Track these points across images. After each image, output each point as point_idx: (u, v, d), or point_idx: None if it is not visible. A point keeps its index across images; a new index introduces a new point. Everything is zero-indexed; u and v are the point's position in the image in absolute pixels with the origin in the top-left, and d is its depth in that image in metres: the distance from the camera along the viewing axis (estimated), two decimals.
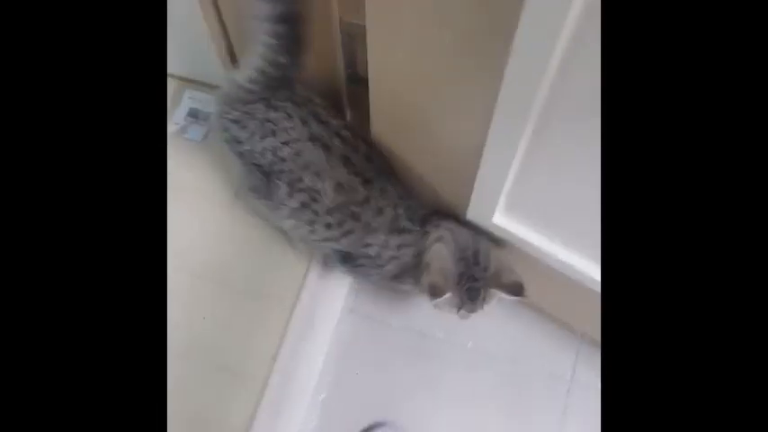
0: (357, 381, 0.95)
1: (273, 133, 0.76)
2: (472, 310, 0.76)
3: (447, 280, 0.73)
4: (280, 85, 0.75)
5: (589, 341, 0.96)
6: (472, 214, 0.76)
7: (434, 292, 0.70)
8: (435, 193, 0.80)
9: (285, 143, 0.76)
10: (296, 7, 0.67)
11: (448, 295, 0.72)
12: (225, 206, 0.98)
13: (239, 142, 0.78)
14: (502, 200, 0.70)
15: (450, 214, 0.80)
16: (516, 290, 0.73)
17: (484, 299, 0.75)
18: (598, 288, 0.74)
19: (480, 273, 0.74)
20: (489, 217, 0.74)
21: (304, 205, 0.78)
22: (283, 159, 0.76)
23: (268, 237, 0.94)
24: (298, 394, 0.90)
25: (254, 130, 0.76)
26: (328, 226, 0.78)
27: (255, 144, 0.77)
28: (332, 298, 0.95)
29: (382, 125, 0.77)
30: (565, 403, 0.95)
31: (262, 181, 0.80)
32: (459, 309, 0.75)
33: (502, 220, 0.74)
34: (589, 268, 0.73)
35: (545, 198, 0.68)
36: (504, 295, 0.73)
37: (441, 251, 0.74)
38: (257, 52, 0.71)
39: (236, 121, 0.77)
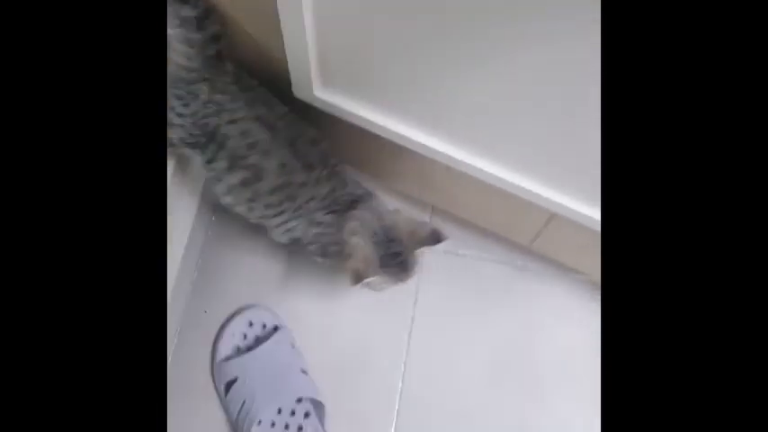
0: (225, 272, 1.00)
1: (218, 113, 0.77)
2: (410, 276, 0.82)
3: (369, 265, 0.78)
4: (216, 55, 0.76)
5: (435, 209, 1.04)
6: (296, 89, 0.80)
7: (356, 278, 0.76)
8: (272, 70, 0.83)
9: (231, 122, 0.77)
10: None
11: (372, 279, 0.78)
12: None
13: (181, 115, 0.77)
14: (315, 67, 0.75)
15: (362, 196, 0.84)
16: (436, 237, 0.80)
17: (415, 262, 0.82)
18: (430, 154, 0.80)
19: (398, 247, 0.80)
20: (310, 90, 0.78)
21: (244, 183, 0.79)
22: (227, 136, 0.77)
23: None
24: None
25: (197, 109, 0.77)
26: (267, 206, 0.81)
27: (198, 121, 0.77)
28: (190, 194, 0.97)
29: None
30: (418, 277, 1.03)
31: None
32: (399, 281, 0.82)
33: (323, 93, 0.79)
34: (429, 141, 0.79)
35: (357, 63, 0.73)
36: (429, 248, 0.80)
37: (359, 242, 0.79)
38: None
39: (179, 98, 0.77)
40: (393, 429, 0.94)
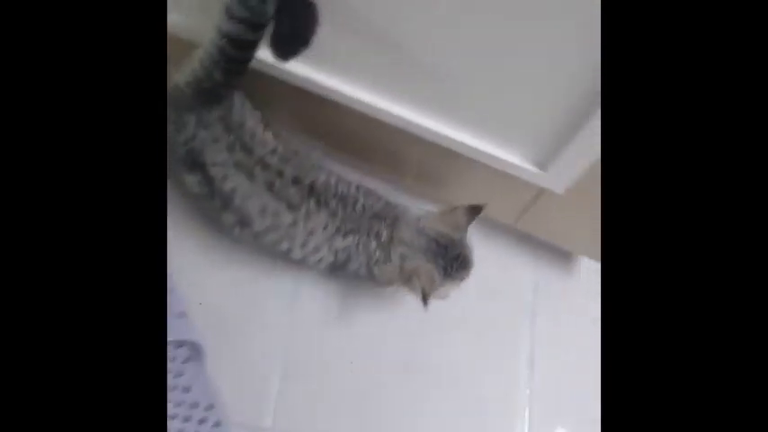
0: None
1: (202, 153, 0.78)
2: (472, 268, 0.84)
3: (434, 281, 0.80)
4: (209, 98, 0.75)
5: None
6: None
7: (425, 297, 0.78)
8: None
9: (213, 164, 0.78)
10: (258, 36, 0.69)
11: (442, 289, 0.81)
12: None
13: (176, 142, 0.78)
14: None
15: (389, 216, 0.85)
16: (476, 211, 0.82)
17: (471, 252, 0.84)
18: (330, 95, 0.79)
19: (454, 249, 0.82)
20: None
21: (238, 224, 0.81)
22: (214, 178, 0.79)
23: None
24: None
25: (187, 140, 0.78)
26: (271, 245, 0.84)
27: (190, 151, 0.79)
28: None
29: None
30: None
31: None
32: (463, 280, 0.84)
33: None
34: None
35: None
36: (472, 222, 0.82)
37: (416, 264, 0.81)
38: (198, 58, 0.72)
39: (173, 122, 0.76)
40: (278, 376, 0.92)
